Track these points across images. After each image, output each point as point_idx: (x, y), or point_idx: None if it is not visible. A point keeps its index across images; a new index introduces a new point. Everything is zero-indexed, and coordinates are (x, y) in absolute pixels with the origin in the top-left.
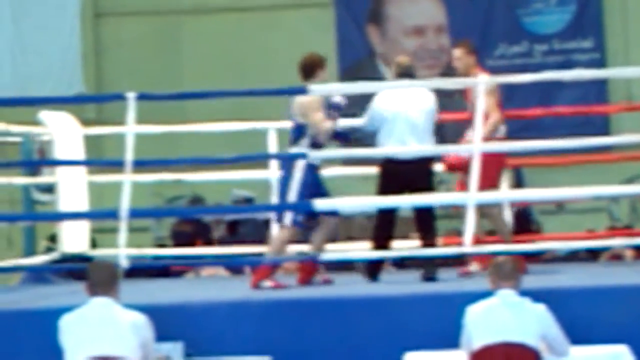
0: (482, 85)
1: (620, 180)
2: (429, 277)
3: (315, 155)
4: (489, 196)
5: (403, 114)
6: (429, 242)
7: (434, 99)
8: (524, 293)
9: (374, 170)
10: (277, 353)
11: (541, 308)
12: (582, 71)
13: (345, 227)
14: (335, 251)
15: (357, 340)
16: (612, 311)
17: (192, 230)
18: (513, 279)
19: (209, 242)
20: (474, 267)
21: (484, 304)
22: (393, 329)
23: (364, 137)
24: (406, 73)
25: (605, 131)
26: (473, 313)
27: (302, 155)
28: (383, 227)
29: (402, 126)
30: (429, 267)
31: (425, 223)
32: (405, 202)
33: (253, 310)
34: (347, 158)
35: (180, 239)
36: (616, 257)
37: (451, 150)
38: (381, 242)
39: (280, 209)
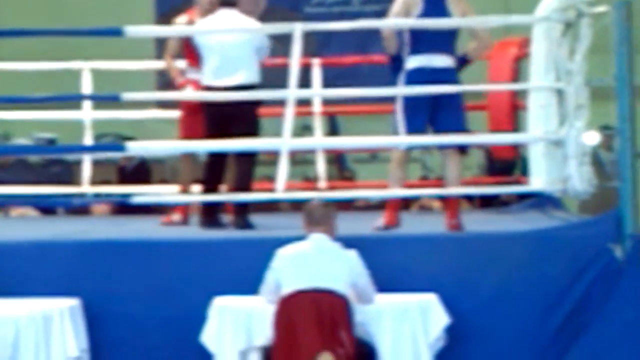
0: (298, 31)
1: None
2: (243, 224)
3: (129, 96)
4: (303, 142)
5: (221, 44)
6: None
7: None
8: (335, 240)
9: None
10: (86, 295)
11: (352, 255)
12: (399, 20)
13: (159, 170)
14: (148, 194)
15: (167, 283)
16: (421, 260)
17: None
18: (325, 224)
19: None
20: (176, 216)
21: (294, 248)
22: (203, 273)
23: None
24: (228, 2)
25: None
26: (282, 257)
27: (115, 97)
28: (213, 170)
29: (220, 57)
30: (241, 215)
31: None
32: (220, 146)
33: (61, 251)
34: (162, 101)
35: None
36: (424, 207)
37: (264, 96)
38: (211, 186)
39: (85, 149)
